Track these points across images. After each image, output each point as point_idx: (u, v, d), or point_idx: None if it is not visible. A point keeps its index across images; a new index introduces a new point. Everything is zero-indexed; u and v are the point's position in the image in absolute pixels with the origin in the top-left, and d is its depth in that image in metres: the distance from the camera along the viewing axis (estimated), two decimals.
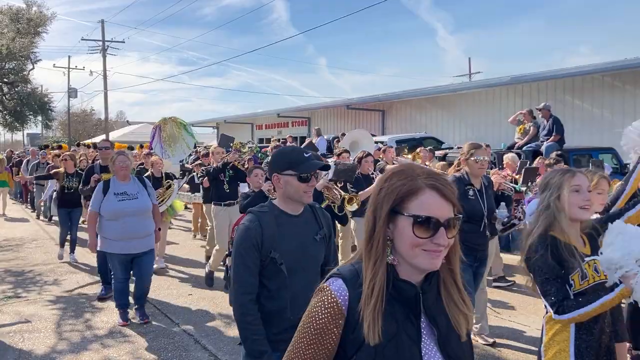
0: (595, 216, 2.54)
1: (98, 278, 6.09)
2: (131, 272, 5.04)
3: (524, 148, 9.42)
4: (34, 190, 12.98)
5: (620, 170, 8.58)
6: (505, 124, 11.38)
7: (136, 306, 5.05)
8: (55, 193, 8.45)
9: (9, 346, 4.48)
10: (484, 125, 14.27)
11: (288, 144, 12.51)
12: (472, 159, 3.88)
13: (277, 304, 2.13)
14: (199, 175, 8.01)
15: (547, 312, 2.21)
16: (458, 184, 3.75)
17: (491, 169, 6.18)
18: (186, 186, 9.52)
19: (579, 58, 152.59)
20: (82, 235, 7.97)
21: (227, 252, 4.97)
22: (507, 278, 6.25)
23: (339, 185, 5.41)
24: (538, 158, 8.06)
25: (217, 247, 6.34)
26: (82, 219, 8.32)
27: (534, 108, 10.02)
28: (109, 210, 4.72)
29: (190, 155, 10.93)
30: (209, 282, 6.26)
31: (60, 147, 14.83)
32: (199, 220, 9.67)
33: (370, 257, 1.21)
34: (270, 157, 2.28)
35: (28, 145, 48.41)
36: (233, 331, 4.85)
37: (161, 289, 6.18)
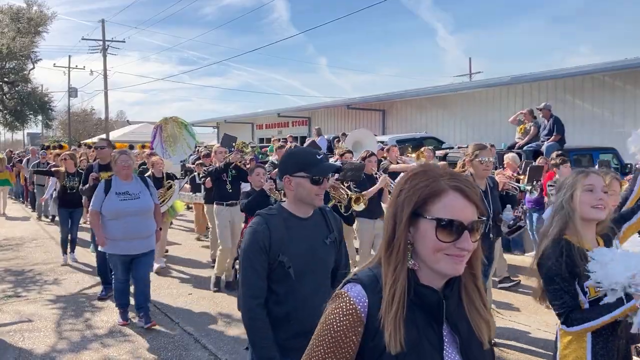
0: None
1: (98, 278, 6.08)
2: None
3: (524, 148, 9.40)
4: (35, 190, 12.98)
5: (621, 170, 8.57)
6: (506, 124, 11.36)
7: (141, 313, 4.87)
8: (55, 192, 8.41)
9: (9, 345, 4.48)
10: (485, 125, 14.26)
11: (288, 143, 12.50)
12: (477, 160, 3.83)
13: (285, 308, 2.08)
14: (201, 176, 7.98)
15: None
16: None
17: (496, 169, 6.15)
18: (187, 186, 9.46)
19: (579, 58, 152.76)
20: (82, 235, 7.97)
21: (236, 257, 4.94)
22: (511, 278, 6.25)
23: (345, 185, 5.40)
24: (539, 158, 8.06)
25: (219, 247, 6.25)
26: (82, 220, 8.31)
27: (534, 108, 10.01)
28: (111, 210, 4.68)
29: (191, 155, 10.90)
30: (216, 287, 6.08)
31: (61, 147, 14.80)
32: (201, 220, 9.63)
33: (390, 262, 1.16)
34: (281, 159, 2.24)
35: (28, 144, 48.46)
36: (233, 330, 4.85)
37: (161, 288, 6.18)
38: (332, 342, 1.18)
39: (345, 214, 5.48)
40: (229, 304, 5.63)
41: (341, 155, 6.87)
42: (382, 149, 8.73)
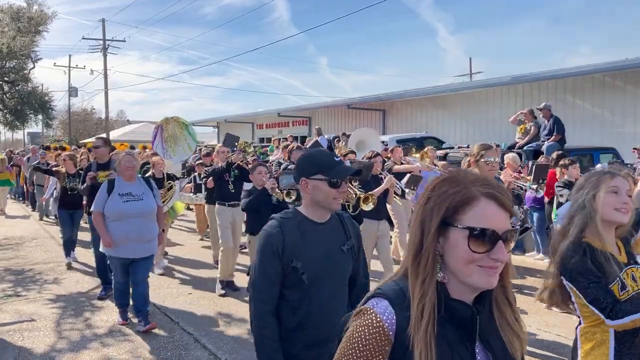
0: None
1: (98, 277, 6.07)
2: None
3: (524, 148, 9.41)
4: (34, 190, 12.98)
5: None
6: (506, 124, 11.36)
7: (139, 317, 4.77)
8: (55, 192, 8.38)
9: (9, 345, 4.48)
10: (485, 124, 14.26)
11: (282, 145, 12.49)
12: (483, 160, 3.75)
13: (299, 316, 1.98)
14: (202, 176, 7.94)
15: (580, 323, 2.08)
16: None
17: (501, 169, 6.13)
18: (189, 186, 9.37)
19: (579, 58, 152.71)
20: (82, 236, 7.95)
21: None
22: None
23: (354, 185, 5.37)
24: (540, 158, 8.05)
25: (221, 248, 6.15)
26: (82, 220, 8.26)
27: (534, 108, 10.01)
28: (113, 211, 4.61)
29: (192, 155, 10.83)
30: (222, 290, 5.90)
31: (63, 149, 14.71)
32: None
33: (418, 275, 1.08)
34: (297, 160, 2.16)
35: (29, 144, 48.44)
36: (233, 330, 4.85)
37: (161, 288, 6.18)
38: None
39: (353, 214, 5.47)
40: (229, 304, 5.62)
41: (344, 156, 6.86)
42: (386, 149, 8.71)
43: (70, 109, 39.28)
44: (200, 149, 11.75)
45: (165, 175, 7.12)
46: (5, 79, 20.05)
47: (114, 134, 33.81)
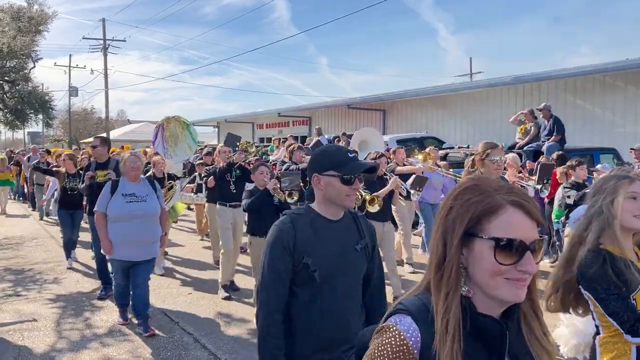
0: None
1: (97, 277, 6.06)
2: None
3: (525, 148, 9.40)
4: (34, 190, 12.98)
5: None
6: (506, 124, 11.36)
7: (139, 320, 4.73)
8: (56, 193, 8.35)
9: (9, 344, 4.48)
10: (485, 125, 14.25)
11: (286, 143, 12.48)
12: (489, 159, 3.65)
13: (310, 316, 1.92)
14: (202, 175, 7.89)
15: (598, 333, 2.01)
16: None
17: (505, 169, 6.11)
18: (190, 186, 9.31)
19: (580, 58, 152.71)
20: (82, 236, 7.93)
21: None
22: None
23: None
24: (540, 158, 8.05)
25: (222, 250, 6.06)
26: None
27: (534, 108, 10.01)
28: (116, 212, 4.55)
29: (194, 155, 10.77)
30: (226, 293, 5.77)
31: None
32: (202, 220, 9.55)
33: (441, 289, 1.03)
34: (311, 156, 2.14)
35: (29, 143, 48.45)
36: (233, 330, 4.84)
37: (161, 288, 6.17)
38: None
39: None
40: (229, 304, 5.62)
41: None
42: (388, 150, 8.70)
43: (71, 108, 39.30)
44: (201, 149, 11.72)
45: (165, 175, 7.09)
46: (6, 78, 20.05)
47: (114, 134, 33.84)
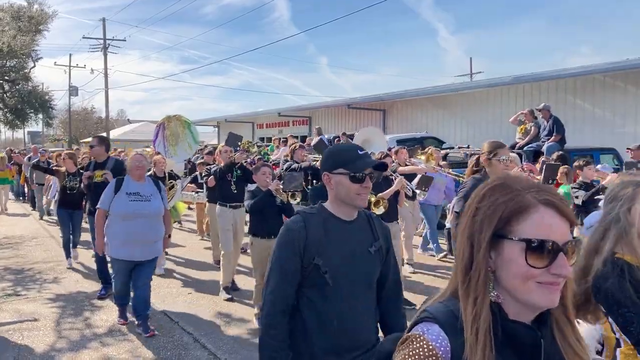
0: None
1: (97, 277, 6.04)
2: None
3: (525, 148, 9.40)
4: (34, 189, 12.98)
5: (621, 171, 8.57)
6: (506, 124, 11.36)
7: (139, 321, 4.70)
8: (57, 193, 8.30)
9: (9, 344, 4.48)
10: (485, 125, 14.25)
11: (289, 142, 12.47)
12: (496, 158, 3.60)
13: (319, 320, 1.86)
14: (203, 175, 7.85)
15: (619, 345, 1.92)
16: (479, 185, 3.50)
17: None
18: (191, 186, 9.27)
19: (580, 58, 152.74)
20: (83, 236, 7.91)
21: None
22: None
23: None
24: (541, 158, 8.04)
25: (222, 252, 5.99)
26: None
27: (534, 108, 10.01)
28: (119, 210, 4.50)
29: (194, 155, 10.73)
30: (228, 295, 5.74)
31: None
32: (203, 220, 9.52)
33: (469, 295, 0.98)
34: (322, 155, 2.12)
35: (29, 142, 48.44)
36: (232, 330, 4.84)
37: (161, 288, 6.17)
38: None
39: None
40: (228, 304, 5.62)
41: None
42: (390, 149, 8.68)
43: (71, 108, 39.31)
44: (201, 150, 11.69)
45: (166, 174, 7.05)
46: (6, 77, 20.05)
47: (114, 133, 33.86)
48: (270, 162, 9.51)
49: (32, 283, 6.47)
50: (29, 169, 12.36)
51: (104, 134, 26.87)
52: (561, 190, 6.06)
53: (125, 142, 26.87)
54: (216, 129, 28.76)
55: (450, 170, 8.04)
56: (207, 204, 7.48)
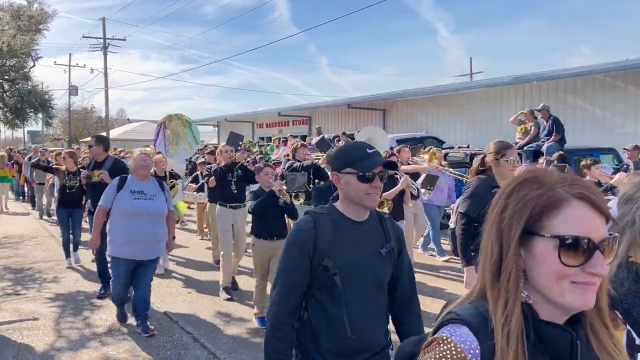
0: None
1: (97, 276, 6.04)
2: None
3: (524, 148, 9.40)
4: (35, 189, 12.97)
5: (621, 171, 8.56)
6: (506, 124, 11.37)
7: (138, 321, 4.69)
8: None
9: (9, 343, 4.47)
10: (485, 124, 14.26)
11: (289, 142, 12.47)
12: (504, 159, 3.52)
13: (328, 322, 1.82)
14: (203, 175, 7.82)
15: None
16: (484, 186, 3.46)
17: None
18: (193, 186, 9.23)
19: (580, 58, 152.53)
20: (83, 236, 7.90)
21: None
22: None
23: None
24: (540, 158, 8.03)
25: (222, 252, 5.96)
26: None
27: (533, 109, 10.01)
28: (123, 208, 4.45)
29: (195, 154, 10.69)
30: (228, 295, 5.72)
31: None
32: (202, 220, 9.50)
33: (499, 295, 0.92)
34: (326, 153, 2.09)
35: (29, 142, 48.44)
36: (232, 329, 4.84)
37: (160, 287, 6.17)
38: None
39: None
40: (228, 303, 5.62)
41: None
42: (392, 148, 8.66)
43: (71, 107, 39.31)
44: (201, 149, 11.65)
45: (167, 174, 7.00)
46: (6, 77, 20.05)
47: (114, 133, 33.88)
48: (271, 162, 9.49)
49: (31, 282, 6.47)
50: (29, 168, 12.35)
51: (104, 134, 26.87)
52: None
53: (125, 142, 26.94)
54: (216, 128, 28.77)
55: (451, 170, 8.03)
56: (208, 203, 7.46)
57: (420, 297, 2.16)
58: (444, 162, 8.57)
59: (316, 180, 6.61)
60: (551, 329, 0.92)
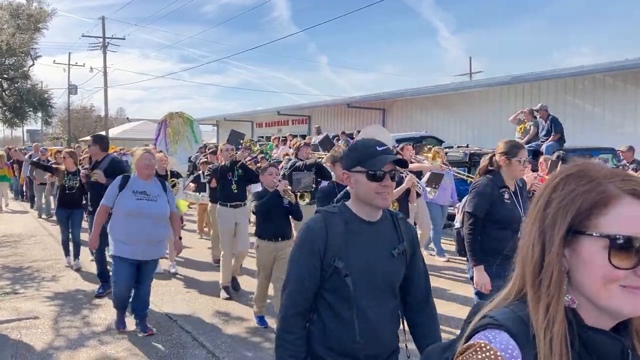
0: None
1: (96, 275, 6.04)
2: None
3: None
4: (35, 188, 12.94)
5: None
6: (506, 124, 11.37)
7: (137, 320, 4.68)
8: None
9: (7, 342, 4.47)
10: (485, 124, 14.26)
11: (288, 142, 12.47)
12: (516, 159, 3.44)
13: (339, 324, 1.79)
14: (205, 174, 7.77)
15: None
16: (492, 185, 3.43)
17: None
18: (192, 185, 9.19)
19: (580, 58, 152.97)
20: (83, 236, 7.88)
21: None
22: None
23: None
24: (540, 158, 8.03)
25: (222, 252, 5.94)
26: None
27: (532, 109, 10.01)
28: (125, 208, 4.38)
29: (196, 154, 10.62)
30: (227, 295, 5.72)
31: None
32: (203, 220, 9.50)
33: (540, 298, 0.86)
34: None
35: (28, 141, 48.39)
36: (231, 329, 4.84)
37: (159, 286, 6.16)
38: None
39: None
40: (227, 303, 5.61)
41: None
42: (394, 147, 8.62)
43: (70, 106, 39.26)
44: (202, 148, 11.61)
45: (168, 173, 6.95)
46: (5, 76, 20.02)
47: (113, 132, 33.84)
48: (271, 161, 9.44)
49: (30, 281, 6.46)
50: (29, 167, 12.34)
51: (103, 133, 26.83)
52: None
53: (125, 141, 26.92)
54: (215, 127, 28.76)
55: (455, 169, 8.00)
56: (210, 203, 7.42)
57: None
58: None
59: (319, 179, 6.55)
60: (599, 336, 0.86)
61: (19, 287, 6.20)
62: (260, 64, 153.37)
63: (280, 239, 4.66)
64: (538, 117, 9.65)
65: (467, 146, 11.12)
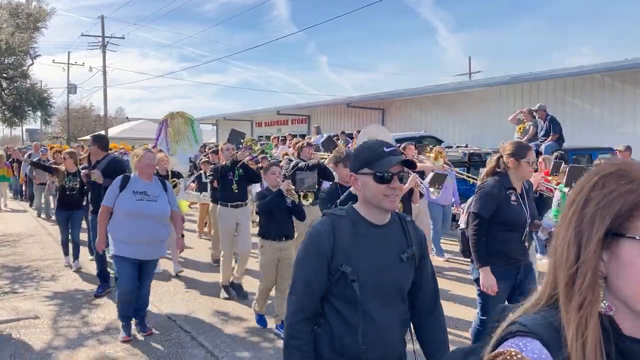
0: None
1: (95, 274, 6.04)
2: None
3: None
4: (35, 185, 12.93)
5: None
6: (505, 123, 11.36)
7: (137, 320, 4.67)
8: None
9: (6, 341, 4.47)
10: (484, 124, 14.26)
11: (287, 141, 12.47)
12: (525, 160, 3.41)
13: (346, 327, 1.76)
14: (207, 174, 7.74)
15: None
16: (499, 187, 3.39)
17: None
18: (193, 185, 9.10)
19: (579, 58, 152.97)
20: (82, 236, 7.87)
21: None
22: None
23: None
24: (539, 158, 8.04)
25: (222, 253, 5.92)
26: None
27: (530, 109, 10.02)
28: (125, 208, 4.37)
29: (196, 154, 10.59)
30: (226, 294, 5.73)
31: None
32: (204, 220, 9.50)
33: (572, 301, 0.81)
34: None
35: (27, 140, 48.36)
36: (230, 329, 4.84)
37: (159, 286, 6.16)
38: None
39: None
40: (226, 302, 5.62)
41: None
42: (396, 147, 8.57)
43: (69, 106, 39.24)
44: (202, 147, 11.58)
45: (169, 173, 6.93)
46: (4, 75, 20.01)
47: (112, 131, 33.82)
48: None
49: (29, 281, 6.46)
50: (29, 167, 12.32)
51: (102, 132, 26.81)
52: (566, 189, 6.01)
53: (124, 140, 26.86)
54: (215, 127, 28.75)
55: (457, 169, 8.00)
56: (211, 203, 7.42)
57: None
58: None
59: (321, 180, 6.52)
60: (637, 346, 0.81)
61: (18, 286, 6.20)
62: (260, 64, 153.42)
63: (284, 238, 4.65)
64: (537, 117, 9.65)
65: (467, 146, 11.13)
